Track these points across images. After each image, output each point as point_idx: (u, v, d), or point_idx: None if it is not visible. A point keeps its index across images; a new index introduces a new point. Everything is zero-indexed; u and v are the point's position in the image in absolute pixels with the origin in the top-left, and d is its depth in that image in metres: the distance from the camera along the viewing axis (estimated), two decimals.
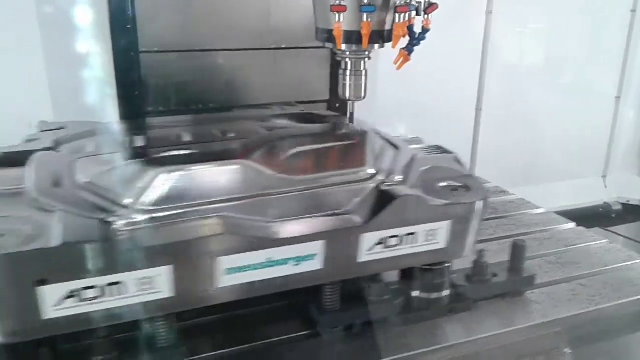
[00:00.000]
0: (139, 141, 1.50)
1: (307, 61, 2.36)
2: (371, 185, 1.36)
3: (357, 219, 1.28)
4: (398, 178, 1.40)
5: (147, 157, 1.31)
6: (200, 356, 1.30)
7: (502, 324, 1.52)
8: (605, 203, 3.76)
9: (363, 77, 1.50)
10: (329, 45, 1.45)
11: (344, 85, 1.50)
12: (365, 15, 1.34)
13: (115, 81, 2.07)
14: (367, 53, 1.46)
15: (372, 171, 1.40)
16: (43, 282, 1.03)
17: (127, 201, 1.17)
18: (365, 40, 1.36)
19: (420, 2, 1.41)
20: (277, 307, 1.47)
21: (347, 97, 1.51)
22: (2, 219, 1.13)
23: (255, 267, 1.20)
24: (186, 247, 1.13)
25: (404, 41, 1.45)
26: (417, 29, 1.44)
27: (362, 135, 1.48)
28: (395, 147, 1.54)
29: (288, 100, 2.29)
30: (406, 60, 1.48)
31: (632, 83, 3.76)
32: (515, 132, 3.60)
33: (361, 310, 1.42)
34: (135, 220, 1.15)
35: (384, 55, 1.52)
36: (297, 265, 1.24)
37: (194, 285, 1.17)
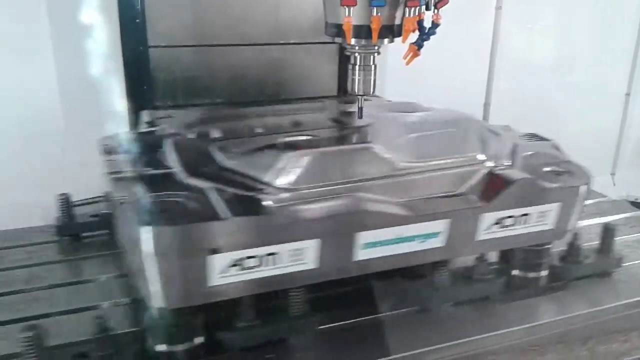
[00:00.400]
0: (258, 127, 1.59)
1: (315, 57, 2.36)
2: (484, 169, 1.45)
3: (476, 201, 1.37)
4: (507, 162, 1.49)
5: (280, 141, 1.41)
6: (327, 326, 1.39)
7: (595, 302, 1.60)
8: (613, 201, 3.77)
9: (372, 72, 1.49)
10: (338, 39, 1.45)
11: (353, 80, 1.50)
12: (375, 10, 1.34)
13: (124, 76, 2.11)
14: (376, 48, 1.46)
15: (482, 157, 1.49)
16: (214, 252, 1.14)
17: (274, 181, 1.27)
18: (374, 34, 1.36)
19: None
20: (391, 284, 1.56)
21: (356, 92, 1.51)
22: (163, 196, 1.23)
23: (387, 242, 1.30)
24: (333, 222, 1.23)
25: (414, 36, 1.44)
26: (427, 24, 1.44)
27: (467, 122, 1.57)
28: (496, 134, 1.63)
29: (296, 96, 2.31)
30: (415, 55, 1.48)
31: None
32: (524, 128, 3.62)
33: (469, 287, 1.51)
34: (286, 197, 1.25)
35: (393, 51, 1.51)
36: (422, 242, 1.34)
37: (335, 257, 1.27)
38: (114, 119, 2.09)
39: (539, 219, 1.44)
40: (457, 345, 1.39)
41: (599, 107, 3.68)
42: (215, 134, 1.56)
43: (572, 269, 1.64)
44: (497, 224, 1.40)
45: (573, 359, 1.53)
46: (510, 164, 1.50)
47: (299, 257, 1.22)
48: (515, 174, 1.42)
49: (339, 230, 1.24)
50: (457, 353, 1.40)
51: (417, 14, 1.39)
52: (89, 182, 1.84)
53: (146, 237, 1.10)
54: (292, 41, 2.32)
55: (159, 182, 1.30)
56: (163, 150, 1.46)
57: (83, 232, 1.83)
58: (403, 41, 1.44)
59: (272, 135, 1.51)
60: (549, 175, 1.51)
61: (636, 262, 1.77)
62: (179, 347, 1.25)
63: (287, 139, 1.46)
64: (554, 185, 1.43)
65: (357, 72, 1.49)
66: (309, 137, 1.46)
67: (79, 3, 2.10)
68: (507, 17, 3.19)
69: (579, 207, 1.50)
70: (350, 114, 1.70)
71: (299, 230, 1.20)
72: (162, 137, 1.54)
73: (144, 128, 1.69)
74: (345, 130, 1.56)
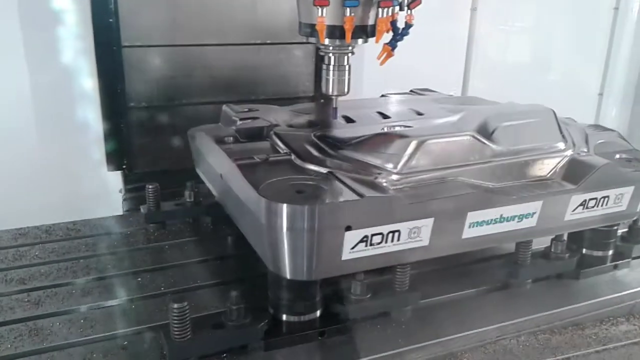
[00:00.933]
0: (351, 119, 1.70)
1: (292, 58, 2.38)
2: (566, 155, 1.58)
3: (568, 184, 1.50)
4: (584, 150, 1.63)
5: (386, 130, 1.53)
6: (431, 299, 1.52)
7: None
8: None
9: (346, 72, 1.50)
10: (312, 39, 1.45)
11: (327, 80, 1.50)
12: (348, 10, 1.35)
13: (97, 77, 2.11)
14: (350, 48, 1.46)
15: (563, 145, 1.62)
16: (348, 228, 1.25)
17: (388, 165, 1.39)
18: (348, 34, 1.37)
19: None
20: (478, 263, 1.68)
21: (330, 93, 1.52)
22: (294, 179, 1.34)
23: (490, 222, 1.42)
24: (447, 203, 1.35)
25: (388, 36, 1.46)
26: (401, 24, 1.46)
27: (546, 112, 1.69)
28: (566, 123, 1.76)
29: (272, 97, 2.32)
30: (390, 55, 1.49)
31: (615, 80, 3.76)
32: None
33: (548, 264, 1.64)
34: (397, 181, 1.37)
35: (369, 51, 1.53)
36: (519, 222, 1.46)
37: (446, 235, 1.39)
38: (87, 121, 2.28)
39: (616, 200, 1.58)
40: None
41: (573, 106, 3.65)
42: (313, 124, 1.67)
43: (633, 248, 1.77)
44: (581, 205, 1.53)
45: None
46: (587, 151, 1.63)
47: (416, 234, 1.34)
48: (597, 159, 1.56)
49: (450, 210, 1.36)
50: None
51: (390, 14, 1.41)
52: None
53: (285, 215, 1.21)
54: (268, 41, 2.33)
55: (281, 168, 1.41)
56: (270, 140, 1.57)
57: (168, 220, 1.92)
58: (376, 41, 1.45)
59: (368, 125, 1.63)
60: (621, 161, 1.64)
61: None
62: (304, 318, 1.36)
63: (391, 129, 1.58)
64: (630, 170, 1.56)
65: (331, 72, 1.49)
66: (409, 127, 1.57)
67: (51, 2, 2.17)
68: (483, 18, 3.24)
69: None
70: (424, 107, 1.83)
71: (418, 211, 1.32)
72: (263, 128, 1.64)
73: (239, 121, 1.76)
74: (430, 120, 1.67)
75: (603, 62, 3.70)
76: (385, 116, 1.73)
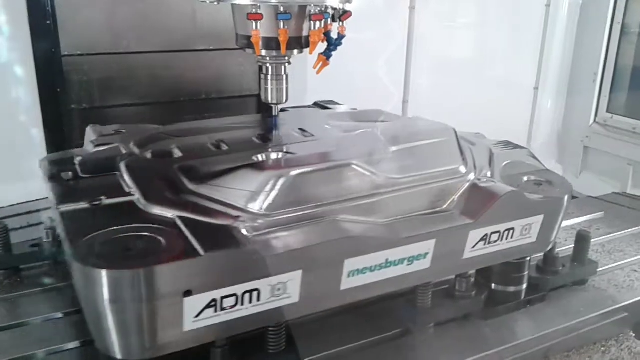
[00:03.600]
0: (223, 145, 1.45)
1: (235, 59, 2.36)
2: (468, 183, 1.38)
3: (464, 217, 1.30)
4: (488, 174, 1.43)
5: (253, 161, 1.28)
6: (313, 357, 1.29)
7: (577, 313, 1.57)
8: None
9: (284, 82, 1.52)
10: (249, 50, 1.46)
11: (266, 89, 1.53)
12: (282, 23, 1.37)
13: (36, 84, 2.07)
14: (287, 58, 1.49)
15: (463, 169, 1.42)
16: (188, 294, 1.00)
17: (249, 206, 1.15)
18: (283, 46, 1.39)
19: (335, 9, 1.45)
20: (370, 308, 1.46)
21: (270, 101, 1.54)
22: (122, 230, 1.08)
23: (374, 268, 1.20)
24: (318, 251, 1.12)
25: (323, 46, 1.49)
26: (334, 35, 1.48)
27: (443, 132, 1.50)
28: (472, 143, 1.57)
29: (217, 96, 2.34)
30: (325, 64, 1.53)
31: (549, 74, 3.85)
32: (442, 122, 3.71)
33: (450, 306, 1.44)
34: (260, 225, 1.13)
35: (313, 57, 1.54)
36: (409, 264, 1.25)
37: (320, 288, 1.16)
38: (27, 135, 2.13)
39: (524, 232, 1.39)
40: None
41: (511, 100, 3.81)
42: (175, 153, 1.41)
43: (549, 279, 1.60)
44: (483, 240, 1.33)
45: None
46: (490, 175, 1.43)
47: (282, 291, 1.10)
48: (499, 187, 1.36)
49: (323, 259, 1.13)
50: None
51: (322, 26, 1.43)
52: None
53: (105, 283, 0.95)
54: (210, 47, 2.33)
55: (117, 214, 1.14)
56: (119, 174, 1.30)
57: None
58: (310, 52, 1.48)
59: (241, 153, 1.38)
60: (528, 185, 1.46)
61: None
62: None
63: (259, 158, 1.34)
64: (539, 197, 1.37)
65: (269, 81, 1.51)
66: (280, 155, 1.33)
67: None
68: (421, 16, 3.28)
69: (561, 217, 1.46)
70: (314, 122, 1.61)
71: (280, 264, 1.08)
72: (115, 158, 1.37)
73: (93, 146, 1.50)
74: (316, 144, 1.44)
75: (537, 57, 3.78)
76: (265, 139, 1.48)
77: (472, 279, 1.48)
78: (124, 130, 1.63)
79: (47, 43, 2.08)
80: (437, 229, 1.25)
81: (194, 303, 1.01)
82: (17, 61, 2.13)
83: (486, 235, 1.33)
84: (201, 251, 1.01)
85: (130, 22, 2.21)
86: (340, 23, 1.47)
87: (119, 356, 1.03)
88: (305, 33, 1.46)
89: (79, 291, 1.04)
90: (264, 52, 1.44)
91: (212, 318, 1.05)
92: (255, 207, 1.16)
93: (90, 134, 1.63)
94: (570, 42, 3.81)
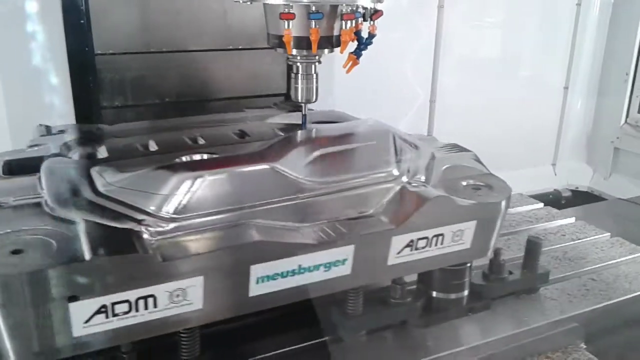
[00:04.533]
0: (152, 145, 1.44)
1: (263, 58, 2.38)
2: (396, 186, 1.34)
3: (386, 222, 1.26)
4: (422, 178, 1.39)
5: (168, 162, 1.26)
6: None
7: (521, 322, 1.52)
8: (555, 190, 3.78)
9: (314, 81, 1.53)
10: (280, 50, 1.47)
11: (296, 88, 1.54)
12: (313, 22, 1.38)
13: (70, 82, 2.11)
14: (317, 57, 1.50)
15: (396, 172, 1.37)
16: (73, 299, 0.98)
17: (154, 209, 1.12)
18: (314, 45, 1.40)
19: (366, 9, 1.46)
20: (298, 314, 1.43)
21: (299, 100, 1.54)
22: (22, 232, 1.06)
23: (285, 274, 1.17)
24: (220, 257, 1.09)
25: (353, 45, 1.50)
26: (365, 34, 1.49)
27: (382, 135, 1.45)
28: (414, 146, 1.52)
29: (245, 95, 2.34)
30: (355, 63, 1.54)
31: (579, 74, 3.82)
32: (469, 122, 3.59)
33: (384, 313, 1.40)
34: (164, 229, 1.10)
35: (340, 56, 1.55)
36: (327, 271, 1.21)
37: (226, 295, 1.13)
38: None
39: (455, 238, 1.34)
40: None
41: (539, 100, 3.78)
42: (102, 153, 1.39)
43: (494, 287, 1.55)
44: (408, 246, 1.28)
45: None
46: (424, 179, 1.39)
47: (182, 297, 1.07)
48: (428, 192, 1.31)
49: (226, 265, 1.10)
50: None
51: (353, 25, 1.44)
52: None
53: None
54: (240, 47, 2.37)
55: (21, 215, 1.13)
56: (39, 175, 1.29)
57: None
58: (341, 52, 1.50)
59: (167, 154, 1.36)
60: (467, 190, 1.41)
61: None
62: None
63: (181, 160, 1.32)
64: (470, 202, 1.32)
65: (299, 80, 1.52)
66: (205, 157, 1.30)
67: (23, 13, 2.11)
68: (450, 15, 3.24)
69: (499, 222, 1.40)
70: (266, 124, 1.59)
71: (177, 269, 1.05)
72: (40, 159, 1.36)
73: (29, 146, 1.50)
74: (249, 147, 1.41)
75: (567, 57, 3.77)
76: (195, 142, 1.46)
77: (407, 286, 1.44)
78: (65, 130, 1.62)
79: (81, 42, 2.13)
80: (356, 235, 1.21)
81: (81, 308, 0.99)
82: (51, 59, 2.17)
83: (412, 241, 1.28)
84: (87, 255, 0.99)
85: (162, 22, 2.26)
86: (371, 22, 1.48)
87: None
88: (336, 32, 1.48)
89: None
90: (294, 51, 1.46)
91: (104, 324, 1.02)
92: (163, 210, 1.13)
93: (35, 132, 1.63)
94: (601, 41, 3.77)
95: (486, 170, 1.52)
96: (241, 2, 1.50)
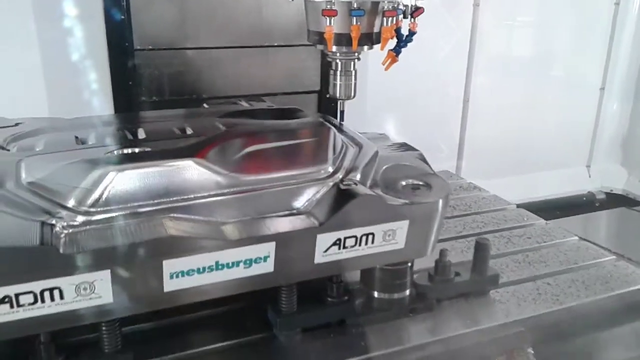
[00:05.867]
0: (91, 139, 1.44)
1: (298, 55, 2.45)
2: (329, 184, 1.32)
3: (311, 220, 1.24)
4: (357, 176, 1.37)
5: (95, 155, 1.26)
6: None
7: (464, 324, 1.49)
8: (589, 192, 3.82)
9: (353, 77, 1.56)
10: (320, 46, 1.50)
11: (335, 85, 1.56)
12: (354, 19, 1.40)
13: (109, 76, 2.20)
14: (356, 54, 1.52)
15: (330, 169, 1.36)
16: None
17: (69, 202, 1.12)
18: (354, 42, 1.42)
19: (407, 6, 1.48)
20: (232, 310, 1.42)
21: (338, 97, 1.57)
22: None
23: (201, 270, 1.16)
24: (127, 250, 1.08)
25: (392, 43, 1.52)
26: (404, 31, 1.51)
27: (322, 132, 1.44)
28: (358, 144, 1.50)
29: (280, 91, 2.41)
30: (394, 61, 1.55)
31: (616, 75, 3.78)
32: (503, 123, 3.60)
33: (319, 311, 1.39)
34: (77, 222, 1.10)
35: (373, 54, 1.57)
36: (247, 267, 1.20)
37: (138, 290, 1.12)
38: None
39: (387, 237, 1.32)
40: None
41: (575, 101, 3.77)
42: (39, 146, 1.40)
43: (439, 288, 1.52)
44: (336, 244, 1.27)
45: None
46: (360, 178, 1.37)
47: (89, 291, 1.07)
48: (359, 189, 1.30)
49: (136, 259, 1.10)
50: None
51: (394, 22, 1.47)
52: None
53: None
54: (275, 43, 2.45)
55: None
56: None
57: None
58: (381, 49, 1.52)
59: (95, 148, 1.36)
60: (404, 189, 1.39)
61: None
62: None
63: (111, 153, 1.32)
64: (400, 201, 1.30)
65: (338, 77, 1.55)
66: (125, 151, 1.30)
67: (65, 7, 2.19)
68: (485, 13, 3.24)
69: (435, 223, 1.38)
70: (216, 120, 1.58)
71: (85, 261, 1.05)
72: None
73: None
74: (183, 142, 1.41)
75: (604, 57, 3.75)
76: (134, 136, 1.46)
77: (344, 285, 1.42)
78: (20, 123, 1.63)
79: (121, 37, 2.21)
80: (276, 232, 1.20)
81: None
82: (92, 55, 2.25)
83: (339, 239, 1.27)
84: None
85: (199, 19, 2.33)
86: (412, 19, 1.50)
87: None
88: (375, 29, 1.49)
89: None
90: (334, 48, 1.47)
91: (9, 314, 1.03)
92: (77, 204, 1.13)
93: None
94: (639, 42, 3.74)
95: (430, 170, 1.50)
96: None
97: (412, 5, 1.48)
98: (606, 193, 3.82)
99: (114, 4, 2.16)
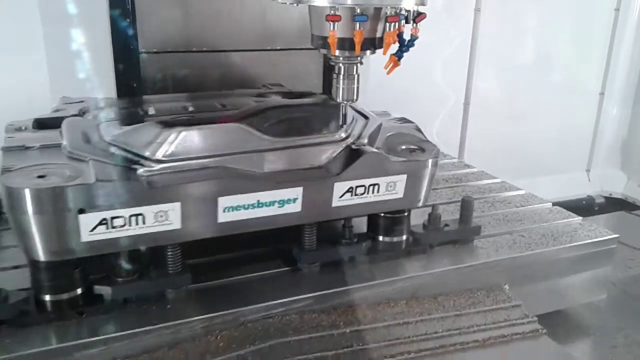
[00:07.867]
0: (151, 110, 1.78)
1: (300, 58, 2.51)
2: (342, 145, 1.67)
3: (329, 171, 1.59)
4: (365, 141, 1.71)
5: (160, 121, 1.60)
6: (203, 284, 1.60)
7: (451, 262, 1.82)
8: (588, 196, 3.84)
9: (355, 81, 1.59)
10: (323, 50, 1.56)
11: (337, 88, 1.60)
12: (358, 24, 1.44)
13: (114, 79, 2.23)
14: (359, 58, 1.56)
15: (343, 135, 1.70)
16: (81, 212, 1.33)
17: (147, 153, 1.47)
18: (357, 47, 1.46)
19: (409, 12, 1.50)
20: (266, 251, 1.76)
21: (341, 100, 1.61)
22: (46, 164, 1.42)
23: (247, 206, 1.50)
24: (193, 188, 1.43)
25: (394, 47, 1.55)
26: (406, 36, 1.55)
27: (337, 107, 1.78)
28: (365, 117, 1.85)
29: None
30: (396, 65, 1.59)
31: (616, 80, 3.83)
32: (503, 126, 3.65)
33: (334, 250, 1.73)
34: (154, 167, 1.44)
35: (375, 57, 1.60)
36: (281, 207, 1.55)
37: (199, 219, 1.47)
38: None
39: (389, 188, 1.66)
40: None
41: (574, 106, 3.82)
42: (110, 116, 1.75)
43: (430, 235, 1.86)
44: (349, 192, 1.61)
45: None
46: (367, 141, 1.71)
47: (164, 218, 1.42)
48: (366, 149, 1.64)
49: (198, 195, 1.44)
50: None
51: (397, 27, 1.50)
52: None
53: (25, 198, 1.29)
54: (278, 47, 2.46)
55: (46, 155, 1.49)
56: (60, 130, 1.65)
57: None
58: (384, 53, 1.55)
59: (160, 117, 1.71)
60: (403, 151, 1.73)
61: None
62: (62, 297, 1.43)
63: (168, 120, 1.66)
64: (399, 159, 1.65)
65: (341, 81, 1.59)
66: (186, 118, 1.65)
67: (71, 10, 2.25)
68: (486, 18, 3.30)
69: (427, 179, 1.72)
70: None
71: (160, 195, 1.40)
72: (61, 119, 1.72)
73: (53, 111, 1.86)
74: (226, 112, 1.75)
75: (604, 63, 3.78)
76: (185, 109, 1.81)
77: (354, 229, 1.76)
78: (82, 101, 1.99)
79: (126, 40, 2.21)
80: (304, 178, 1.55)
81: (87, 220, 1.34)
82: (98, 57, 2.26)
83: (352, 187, 1.61)
84: (92, 180, 1.34)
85: (204, 22, 2.34)
86: (414, 25, 1.52)
87: (42, 258, 1.36)
88: (378, 34, 1.52)
89: (8, 210, 1.37)
90: (337, 52, 1.51)
91: (104, 234, 1.37)
92: (149, 154, 1.47)
93: (59, 102, 2.00)
94: (639, 47, 3.76)
95: (424, 137, 1.84)
96: (288, 3, 1.51)
97: (414, 10, 1.49)
98: (605, 197, 3.83)
99: (119, 7, 2.17)
